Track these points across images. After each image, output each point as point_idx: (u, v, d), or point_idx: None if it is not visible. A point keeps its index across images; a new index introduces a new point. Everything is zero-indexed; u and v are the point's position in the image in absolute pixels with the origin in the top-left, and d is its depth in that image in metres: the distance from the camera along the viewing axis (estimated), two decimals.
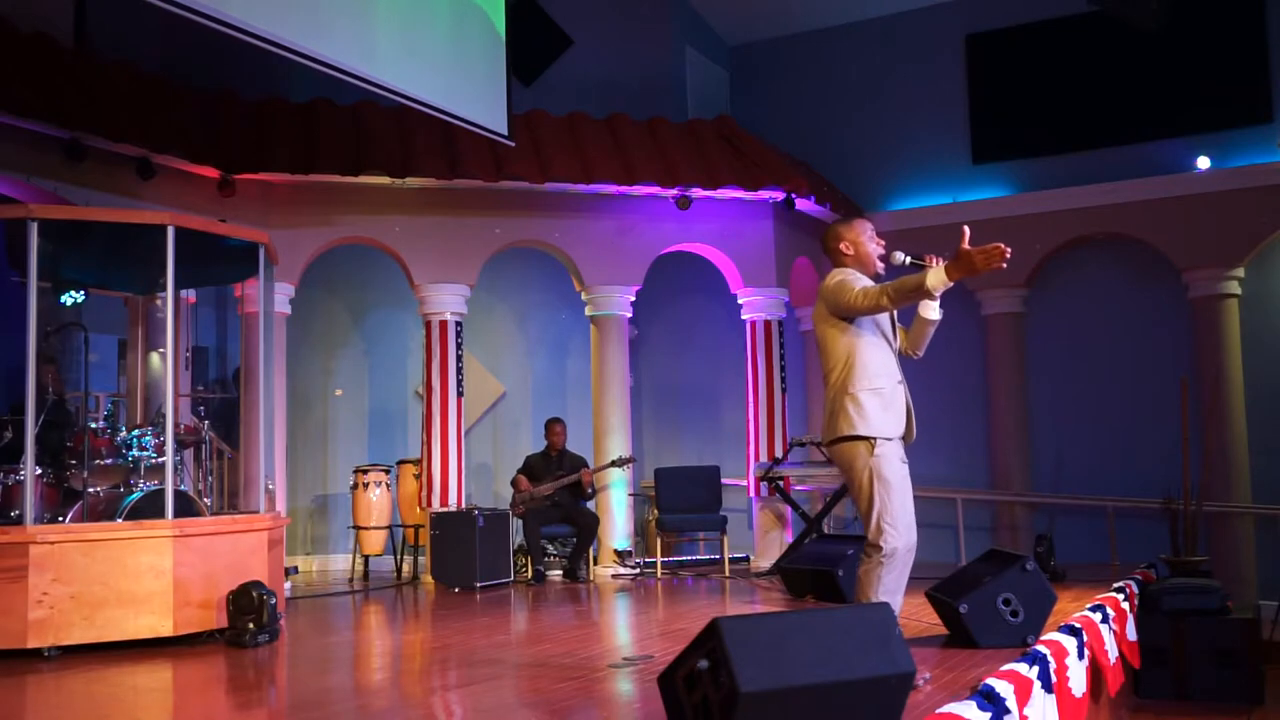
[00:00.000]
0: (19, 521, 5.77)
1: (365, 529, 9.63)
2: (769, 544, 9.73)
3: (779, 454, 9.70)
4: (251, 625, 5.74)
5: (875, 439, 4.21)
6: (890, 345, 4.39)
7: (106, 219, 6.50)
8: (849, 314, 4.28)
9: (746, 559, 9.80)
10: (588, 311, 9.91)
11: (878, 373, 4.27)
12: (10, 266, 6.65)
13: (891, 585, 4.21)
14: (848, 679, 3.24)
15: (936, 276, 4.04)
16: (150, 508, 6.10)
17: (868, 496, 4.20)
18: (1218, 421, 9.68)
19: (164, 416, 6.34)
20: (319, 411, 10.75)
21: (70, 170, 7.73)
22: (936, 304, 4.30)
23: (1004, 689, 3.67)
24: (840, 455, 4.31)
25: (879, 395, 4.24)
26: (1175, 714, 6.59)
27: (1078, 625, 4.98)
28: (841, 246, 4.47)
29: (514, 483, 9.25)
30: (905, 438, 4.36)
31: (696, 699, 3.26)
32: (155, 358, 8.62)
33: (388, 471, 9.84)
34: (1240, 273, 9.95)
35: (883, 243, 4.51)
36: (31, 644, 5.49)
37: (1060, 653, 4.48)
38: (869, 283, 4.31)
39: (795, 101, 12.10)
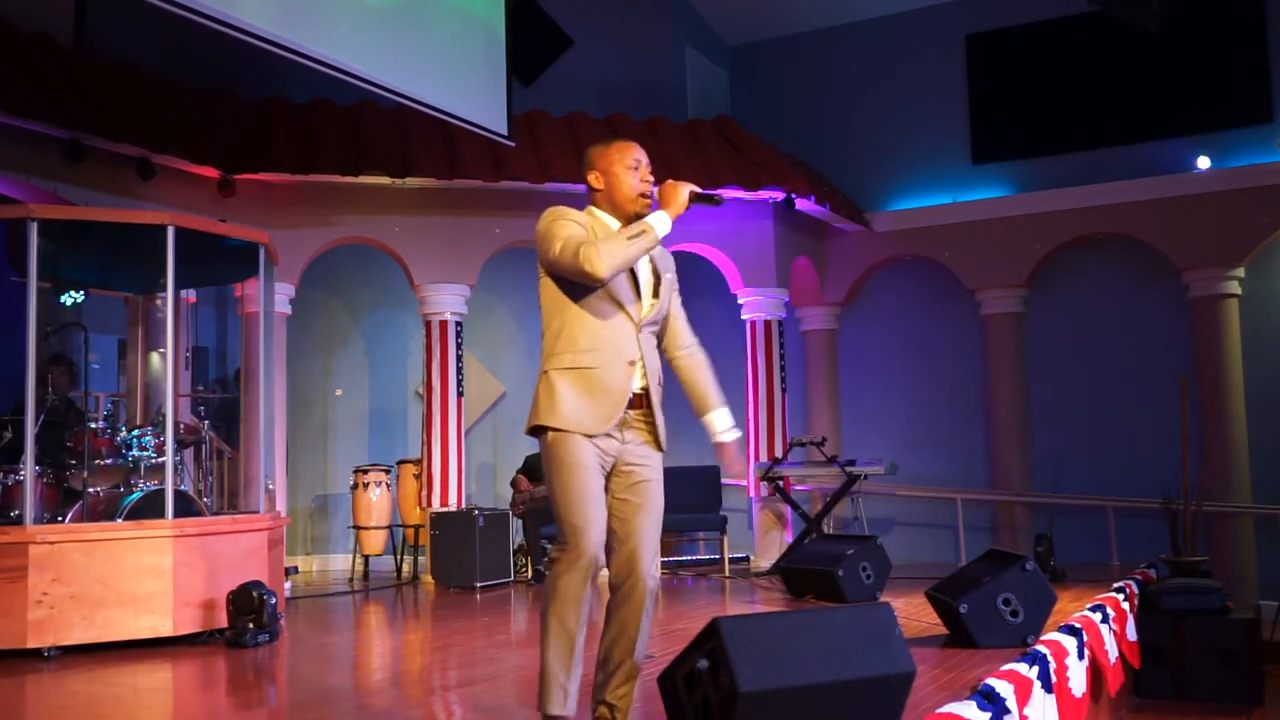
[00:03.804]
0: (19, 521, 5.77)
1: (365, 529, 9.63)
2: (769, 544, 9.73)
3: (779, 454, 9.70)
4: (251, 625, 5.74)
5: (558, 431, 3.23)
6: (627, 314, 3.35)
7: (106, 219, 6.51)
8: (555, 271, 3.29)
9: (746, 559, 9.80)
10: None
11: (587, 347, 3.27)
12: (10, 266, 6.66)
13: (570, 594, 3.19)
14: (848, 679, 3.23)
15: (661, 219, 3.36)
16: (150, 508, 6.10)
17: (551, 492, 3.26)
18: (1218, 421, 9.68)
19: (164, 416, 6.35)
20: (319, 411, 10.75)
21: (70, 170, 7.72)
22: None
23: (1004, 689, 3.67)
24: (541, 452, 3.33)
25: (583, 377, 3.27)
26: (1175, 714, 6.59)
27: (1078, 625, 4.98)
28: (590, 178, 3.42)
29: (514, 483, 9.25)
30: (652, 442, 3.55)
31: (696, 699, 3.25)
32: (155, 358, 8.61)
33: (388, 471, 9.84)
34: (1240, 273, 9.94)
35: (651, 178, 3.43)
36: (31, 644, 5.49)
37: (1060, 653, 4.48)
38: (579, 232, 3.26)
39: (795, 101, 12.09)
